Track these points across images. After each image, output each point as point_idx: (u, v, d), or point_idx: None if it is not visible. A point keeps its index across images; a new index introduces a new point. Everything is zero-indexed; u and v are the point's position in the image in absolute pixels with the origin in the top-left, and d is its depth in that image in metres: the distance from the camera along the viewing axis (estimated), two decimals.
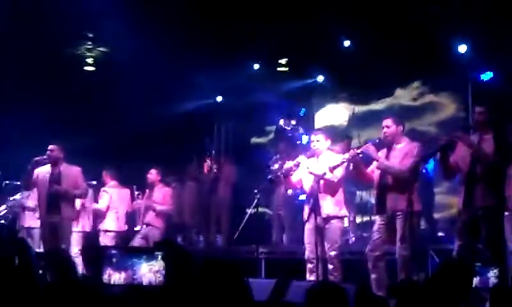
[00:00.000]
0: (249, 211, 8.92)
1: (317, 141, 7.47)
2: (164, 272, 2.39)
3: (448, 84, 11.15)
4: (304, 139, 11.83)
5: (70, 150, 8.95)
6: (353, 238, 10.00)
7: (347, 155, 7.04)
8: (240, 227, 8.76)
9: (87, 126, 11.93)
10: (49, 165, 8.73)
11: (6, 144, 10.76)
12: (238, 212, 10.37)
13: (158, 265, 2.40)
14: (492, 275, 5.84)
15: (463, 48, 10.34)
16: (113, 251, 2.30)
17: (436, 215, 10.19)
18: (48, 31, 10.21)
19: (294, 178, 7.51)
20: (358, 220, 10.53)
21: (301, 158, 7.53)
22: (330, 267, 7.14)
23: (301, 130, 10.61)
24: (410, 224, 6.47)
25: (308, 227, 7.28)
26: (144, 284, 2.40)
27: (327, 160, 7.33)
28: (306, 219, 7.28)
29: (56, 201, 8.61)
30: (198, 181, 11.54)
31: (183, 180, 11.59)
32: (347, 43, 10.80)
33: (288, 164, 7.53)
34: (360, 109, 12.45)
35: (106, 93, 11.80)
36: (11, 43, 10.36)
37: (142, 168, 10.50)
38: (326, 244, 7.14)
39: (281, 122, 10.68)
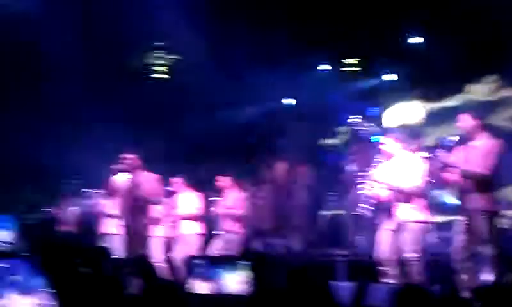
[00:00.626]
0: (324, 213, 8.92)
1: (388, 143, 7.38)
2: (249, 281, 2.43)
3: None
4: (377, 138, 11.75)
5: (142, 157, 9.10)
6: (436, 239, 9.82)
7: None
8: (317, 230, 8.77)
9: (158, 133, 12.16)
10: (128, 173, 8.87)
11: (85, 153, 11.04)
12: (314, 214, 10.38)
13: (242, 274, 2.43)
14: None
15: None
16: (197, 261, 2.35)
17: None
18: (118, 41, 10.44)
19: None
20: (438, 220, 10.35)
21: (377, 171, 7.44)
22: (411, 269, 7.07)
23: (376, 130, 10.51)
24: (494, 223, 6.38)
25: (386, 229, 7.22)
26: (230, 293, 2.43)
27: (403, 163, 7.25)
28: (384, 221, 7.23)
29: (138, 208, 8.74)
30: (273, 184, 11.59)
31: (259, 184, 11.67)
32: (418, 40, 10.65)
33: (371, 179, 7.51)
34: (432, 106, 12.25)
35: (177, 99, 12.00)
36: (83, 55, 10.64)
37: (215, 173, 10.60)
38: (404, 246, 7.08)
39: (355, 123, 10.62)
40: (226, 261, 2.42)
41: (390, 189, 7.18)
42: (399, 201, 7.14)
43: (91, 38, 10.37)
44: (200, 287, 2.46)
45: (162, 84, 12.54)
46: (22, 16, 9.01)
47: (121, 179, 8.91)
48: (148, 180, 8.86)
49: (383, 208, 7.27)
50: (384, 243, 7.19)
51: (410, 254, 7.05)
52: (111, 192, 9.11)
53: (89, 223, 10.62)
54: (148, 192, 8.80)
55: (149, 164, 9.14)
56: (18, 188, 11.60)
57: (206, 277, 2.45)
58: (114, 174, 8.97)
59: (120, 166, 8.84)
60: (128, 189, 8.79)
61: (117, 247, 9.22)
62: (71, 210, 10.99)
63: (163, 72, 12.48)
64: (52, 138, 10.92)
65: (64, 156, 10.98)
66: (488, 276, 6.45)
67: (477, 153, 6.64)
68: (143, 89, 12.23)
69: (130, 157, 8.80)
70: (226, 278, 2.45)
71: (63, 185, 11.07)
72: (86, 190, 10.84)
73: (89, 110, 11.20)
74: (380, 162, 7.45)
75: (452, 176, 6.79)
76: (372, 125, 10.53)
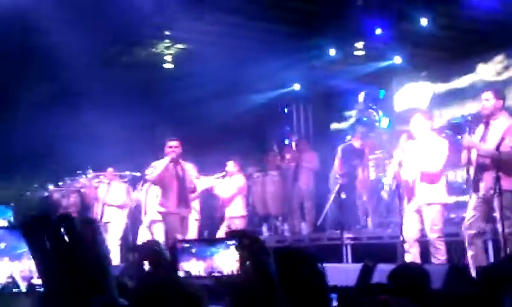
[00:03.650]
0: (331, 197, 8.90)
1: (416, 122, 7.33)
2: (240, 261, 2.40)
3: None
4: (384, 122, 11.67)
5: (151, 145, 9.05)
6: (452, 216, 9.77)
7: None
8: (324, 213, 8.76)
9: (168, 122, 12.17)
10: (167, 160, 8.60)
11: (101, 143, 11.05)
12: (321, 198, 10.37)
13: (233, 254, 2.41)
14: None
15: None
16: (189, 243, 2.34)
17: None
18: (125, 32, 10.44)
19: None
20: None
21: (399, 155, 7.40)
22: (432, 249, 7.07)
23: (380, 113, 10.46)
24: (509, 202, 6.34)
25: (408, 209, 7.22)
26: (224, 274, 2.41)
27: (429, 145, 7.20)
28: (406, 202, 7.23)
29: (184, 195, 8.71)
30: (280, 170, 11.61)
31: (265, 169, 11.68)
32: (424, 22, 10.53)
33: (392, 170, 7.52)
34: (441, 87, 12.16)
35: (185, 88, 11.99)
36: (90, 46, 10.65)
37: (222, 160, 10.63)
38: (426, 227, 7.10)
39: (357, 107, 10.59)
40: (219, 241, 2.40)
41: (416, 170, 7.17)
42: (423, 181, 7.14)
43: (98, 28, 10.34)
44: (192, 267, 2.44)
45: (171, 72, 12.50)
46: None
47: (165, 166, 8.59)
48: (188, 168, 8.86)
49: (407, 189, 7.25)
50: (407, 223, 7.16)
51: (434, 235, 7.05)
52: (153, 179, 8.78)
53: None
54: (190, 179, 8.79)
55: (159, 151, 9.12)
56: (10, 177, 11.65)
57: (199, 257, 2.43)
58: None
59: (167, 152, 8.62)
60: (175, 176, 8.61)
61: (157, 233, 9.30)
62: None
63: (170, 62, 12.43)
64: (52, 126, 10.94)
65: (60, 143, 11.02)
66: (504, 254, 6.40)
67: (497, 132, 6.58)
68: (152, 78, 12.23)
69: (176, 144, 8.66)
70: (219, 257, 2.42)
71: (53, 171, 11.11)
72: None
73: (99, 100, 11.23)
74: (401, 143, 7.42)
75: (470, 155, 6.75)
76: (377, 108, 10.49)
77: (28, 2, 8.79)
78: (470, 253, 6.67)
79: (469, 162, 6.74)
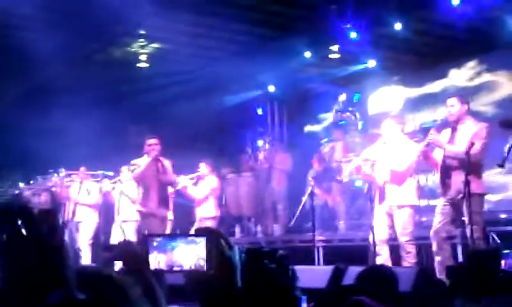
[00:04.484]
0: (304, 199, 8.92)
1: (386, 127, 7.50)
2: (205, 257, 2.41)
3: (507, 62, 10.84)
4: (360, 124, 11.74)
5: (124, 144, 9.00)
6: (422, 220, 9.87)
7: (421, 145, 6.93)
8: (296, 215, 8.78)
9: (142, 122, 12.12)
10: (145, 158, 8.63)
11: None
12: (293, 200, 10.39)
13: (198, 249, 2.41)
14: None
15: None
16: (153, 237, 2.35)
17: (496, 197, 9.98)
18: (100, 30, 10.37)
19: (367, 170, 7.49)
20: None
21: (367, 152, 7.53)
22: (403, 253, 7.14)
23: (358, 116, 10.52)
24: (478, 205, 6.42)
25: (379, 211, 7.29)
26: (184, 268, 2.41)
27: (399, 147, 7.32)
28: (377, 204, 7.32)
29: (165, 195, 8.72)
30: (253, 171, 11.61)
31: (238, 171, 11.67)
32: (398, 26, 10.61)
33: (355, 162, 7.61)
34: (413, 91, 12.26)
35: (159, 88, 11.95)
36: (65, 44, 10.56)
37: (195, 161, 10.61)
38: (397, 229, 7.17)
39: (336, 109, 10.63)
40: (183, 237, 2.40)
41: (385, 172, 7.26)
42: (393, 183, 7.23)
43: (73, 25, 10.25)
44: (155, 260, 2.43)
45: (145, 71, 12.44)
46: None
47: (144, 164, 8.61)
48: (167, 165, 8.81)
49: (378, 191, 7.33)
50: (377, 225, 7.24)
51: (405, 238, 7.12)
52: (137, 176, 8.72)
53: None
54: (171, 176, 8.80)
55: (134, 152, 9.08)
56: None
57: (159, 250, 2.43)
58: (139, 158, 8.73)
59: (147, 150, 8.63)
60: (156, 174, 8.60)
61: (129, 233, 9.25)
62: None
63: (145, 61, 12.36)
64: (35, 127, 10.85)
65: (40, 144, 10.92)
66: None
67: (464, 136, 6.64)
68: (126, 78, 12.15)
69: (156, 142, 8.69)
70: (180, 251, 2.42)
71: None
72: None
73: (73, 98, 11.12)
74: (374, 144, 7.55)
75: (437, 157, 6.84)
76: (353, 112, 10.55)
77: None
78: (437, 258, 6.70)
79: (439, 165, 6.81)
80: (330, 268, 4.58)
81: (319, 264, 8.86)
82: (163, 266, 2.37)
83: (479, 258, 4.00)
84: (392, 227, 7.22)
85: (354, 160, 7.79)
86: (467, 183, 6.29)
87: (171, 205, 9.73)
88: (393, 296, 3.54)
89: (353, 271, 4.32)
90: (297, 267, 2.57)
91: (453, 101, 6.79)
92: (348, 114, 11.71)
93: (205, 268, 2.30)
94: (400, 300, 3.56)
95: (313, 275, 5.38)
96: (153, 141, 8.65)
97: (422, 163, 7.36)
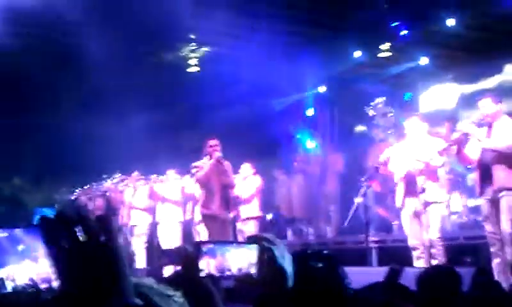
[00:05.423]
0: (356, 200, 8.82)
1: (412, 124, 7.46)
2: (255, 263, 2.39)
3: None
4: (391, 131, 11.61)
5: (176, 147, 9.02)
6: (465, 219, 9.66)
7: (455, 135, 6.82)
8: (349, 217, 8.68)
9: (193, 125, 12.19)
10: (207, 159, 8.53)
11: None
12: (347, 201, 10.28)
13: (249, 254, 2.40)
14: None
15: None
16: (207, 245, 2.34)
17: None
18: (151, 35, 10.47)
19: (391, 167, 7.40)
20: (471, 204, 10.16)
21: (396, 147, 7.43)
22: (433, 251, 7.00)
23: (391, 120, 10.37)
24: None
25: (407, 213, 7.16)
26: (234, 273, 2.40)
27: (426, 145, 7.20)
28: (402, 205, 7.22)
29: (226, 197, 8.60)
30: (305, 173, 11.56)
31: (290, 172, 11.64)
32: (450, 22, 10.41)
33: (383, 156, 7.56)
34: (468, 88, 12.01)
35: (210, 91, 12.01)
36: (117, 50, 10.71)
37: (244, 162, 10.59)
38: (426, 228, 7.04)
39: (371, 109, 10.52)
40: (235, 244, 2.40)
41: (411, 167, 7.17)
42: (427, 179, 7.10)
43: (125, 30, 10.39)
44: (206, 264, 2.43)
45: (195, 75, 12.52)
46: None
47: (209, 165, 8.50)
48: (228, 167, 8.70)
49: (405, 190, 7.22)
50: (409, 227, 7.16)
51: (435, 236, 7.01)
52: (202, 179, 8.61)
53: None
54: (232, 178, 8.74)
55: (181, 154, 9.11)
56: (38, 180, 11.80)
57: (212, 255, 2.42)
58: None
59: (209, 151, 8.54)
60: (218, 176, 8.50)
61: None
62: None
63: (195, 65, 12.43)
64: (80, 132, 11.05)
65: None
66: None
67: (499, 132, 6.50)
68: (178, 81, 12.26)
69: (217, 142, 8.58)
70: (231, 254, 2.42)
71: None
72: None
73: (123, 103, 11.26)
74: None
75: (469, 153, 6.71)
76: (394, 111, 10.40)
77: (60, 6, 8.85)
78: (496, 260, 6.51)
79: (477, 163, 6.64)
80: (385, 269, 4.51)
81: (372, 265, 8.74)
82: (214, 270, 2.36)
83: None
84: (424, 226, 7.07)
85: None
86: (508, 178, 6.24)
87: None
88: (456, 297, 3.45)
89: (409, 272, 4.24)
90: (351, 269, 2.53)
91: (487, 102, 6.64)
92: (390, 116, 11.52)
93: (255, 274, 2.29)
94: (463, 300, 3.46)
95: (367, 276, 5.30)
96: (214, 142, 8.53)
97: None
